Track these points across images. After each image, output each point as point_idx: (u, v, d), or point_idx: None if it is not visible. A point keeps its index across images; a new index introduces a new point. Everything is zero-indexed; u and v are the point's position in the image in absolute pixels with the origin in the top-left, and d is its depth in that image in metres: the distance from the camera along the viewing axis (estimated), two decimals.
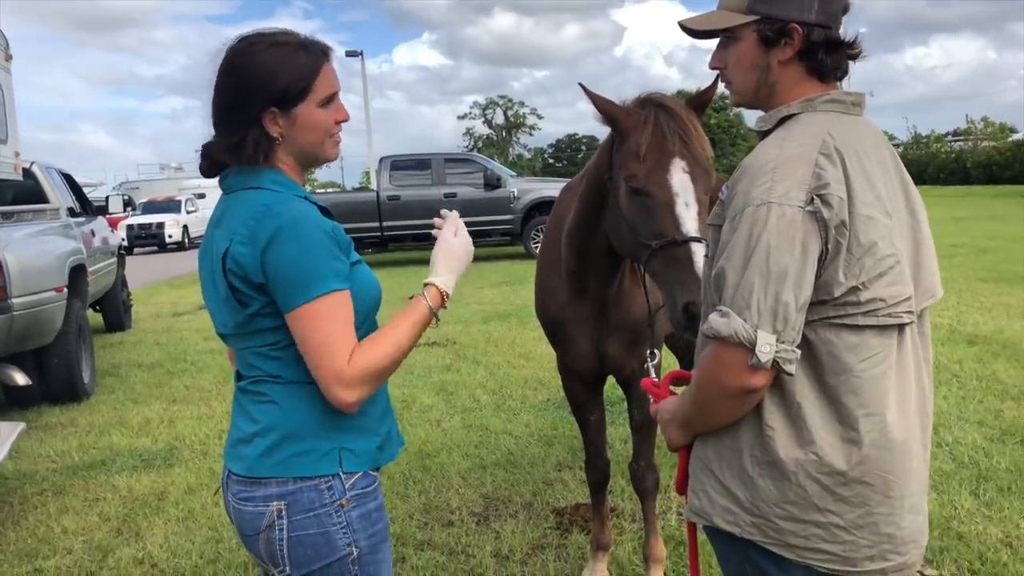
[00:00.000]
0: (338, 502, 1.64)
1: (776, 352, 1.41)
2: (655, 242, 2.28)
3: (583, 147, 73.00)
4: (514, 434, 5.21)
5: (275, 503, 1.62)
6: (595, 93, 2.51)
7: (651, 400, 1.91)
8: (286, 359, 1.63)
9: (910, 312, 1.51)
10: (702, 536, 1.78)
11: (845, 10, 1.60)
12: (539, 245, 15.65)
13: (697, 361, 1.60)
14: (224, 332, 1.71)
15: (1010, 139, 40.71)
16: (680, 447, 1.74)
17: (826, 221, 1.42)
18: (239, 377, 1.74)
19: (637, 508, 3.73)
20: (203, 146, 1.69)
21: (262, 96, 1.61)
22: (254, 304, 1.60)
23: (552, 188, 16.55)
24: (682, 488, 1.78)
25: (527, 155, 76.22)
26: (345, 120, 1.73)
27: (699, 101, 2.50)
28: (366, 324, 1.71)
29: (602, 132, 2.59)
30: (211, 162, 1.70)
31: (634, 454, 3.29)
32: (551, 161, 74.62)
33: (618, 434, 4.94)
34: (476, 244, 1.86)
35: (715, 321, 1.44)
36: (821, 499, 1.50)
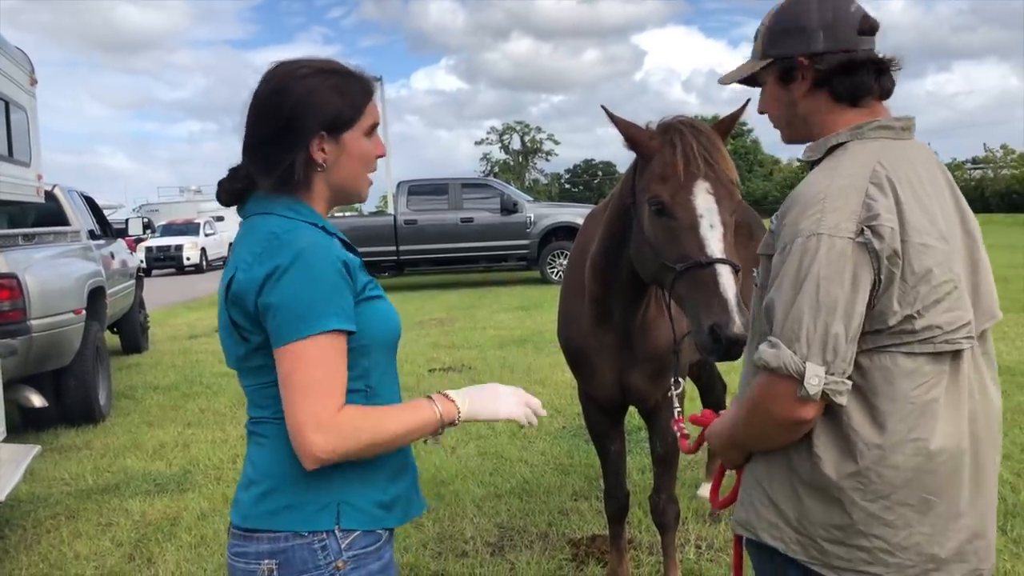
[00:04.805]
0: (333, 564, 1.49)
1: (825, 384, 1.42)
2: (679, 265, 2.25)
3: (599, 172, 73.36)
4: (529, 462, 5.15)
5: (266, 561, 1.49)
6: (618, 116, 2.49)
7: (678, 435, 1.87)
8: None
9: (969, 337, 1.51)
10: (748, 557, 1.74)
11: (868, 30, 1.59)
12: (556, 270, 15.53)
13: (747, 387, 1.60)
14: (231, 365, 1.60)
15: None
16: (739, 467, 1.73)
17: (877, 252, 1.43)
18: (248, 417, 1.63)
19: (655, 540, 3.66)
20: (239, 170, 1.58)
21: (315, 118, 1.52)
22: (254, 338, 1.49)
23: (569, 213, 16.62)
24: (722, 502, 1.81)
25: (543, 180, 76.51)
26: (382, 155, 1.64)
27: (723, 127, 2.48)
28: (384, 360, 1.61)
29: (620, 158, 2.61)
30: (240, 188, 1.58)
31: (655, 487, 3.23)
32: (567, 186, 74.93)
33: (635, 464, 4.87)
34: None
35: (765, 352, 1.46)
36: (867, 525, 1.49)
